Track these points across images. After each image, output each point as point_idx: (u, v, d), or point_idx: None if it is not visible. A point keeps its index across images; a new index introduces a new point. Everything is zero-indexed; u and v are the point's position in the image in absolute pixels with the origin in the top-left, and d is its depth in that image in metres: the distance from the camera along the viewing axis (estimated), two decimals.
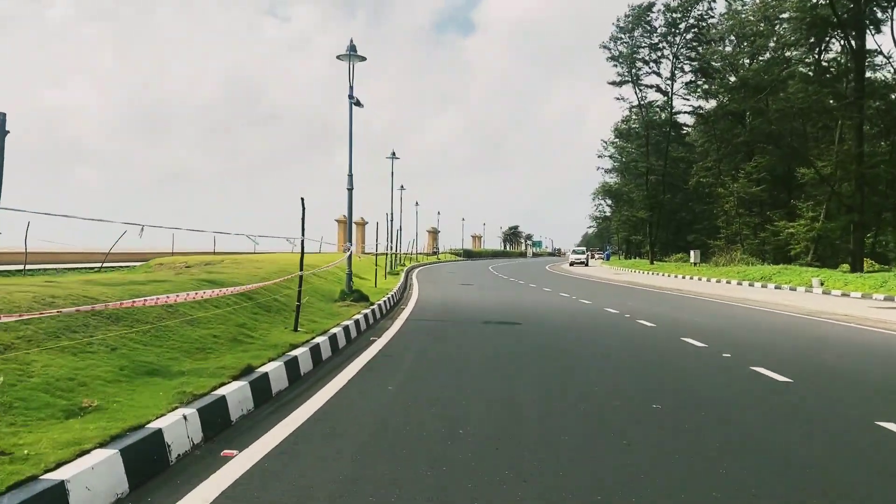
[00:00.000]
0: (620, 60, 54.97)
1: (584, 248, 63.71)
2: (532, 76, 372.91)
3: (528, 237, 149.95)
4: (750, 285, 29.30)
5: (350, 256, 16.50)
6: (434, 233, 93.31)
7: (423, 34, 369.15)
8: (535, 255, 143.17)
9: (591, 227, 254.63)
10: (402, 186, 52.72)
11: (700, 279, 34.33)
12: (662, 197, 57.31)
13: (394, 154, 40.73)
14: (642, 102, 57.40)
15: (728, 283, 31.31)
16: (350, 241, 17.44)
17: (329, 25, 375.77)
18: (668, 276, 39.39)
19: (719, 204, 53.81)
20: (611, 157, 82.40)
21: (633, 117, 61.20)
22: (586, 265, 58.78)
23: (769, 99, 40.13)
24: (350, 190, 16.59)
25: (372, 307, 14.04)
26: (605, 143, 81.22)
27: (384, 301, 16.03)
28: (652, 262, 54.82)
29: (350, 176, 16.57)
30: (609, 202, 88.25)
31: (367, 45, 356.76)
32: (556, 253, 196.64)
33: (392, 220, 41.10)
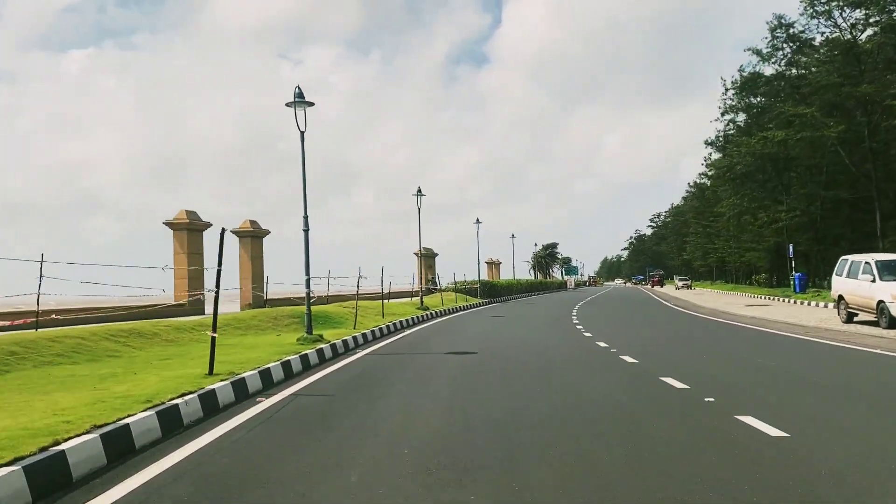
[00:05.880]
0: None
1: None
2: (547, 108, 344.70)
3: (566, 261, 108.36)
4: None
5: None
6: (427, 258, 51.98)
7: (439, 70, 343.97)
8: (577, 285, 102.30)
9: (624, 248, 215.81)
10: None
11: None
12: None
13: (419, 191, 30.26)
14: None
15: None
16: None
17: (343, 66, 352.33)
18: None
19: None
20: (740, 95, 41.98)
21: None
22: None
23: None
24: (306, 231, 14.98)
25: None
26: (729, 85, 41.17)
27: None
28: None
29: (305, 217, 15.04)
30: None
31: (382, 84, 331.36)
32: (592, 282, 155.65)
33: None
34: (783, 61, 40.44)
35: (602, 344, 14.07)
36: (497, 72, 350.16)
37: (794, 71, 41.33)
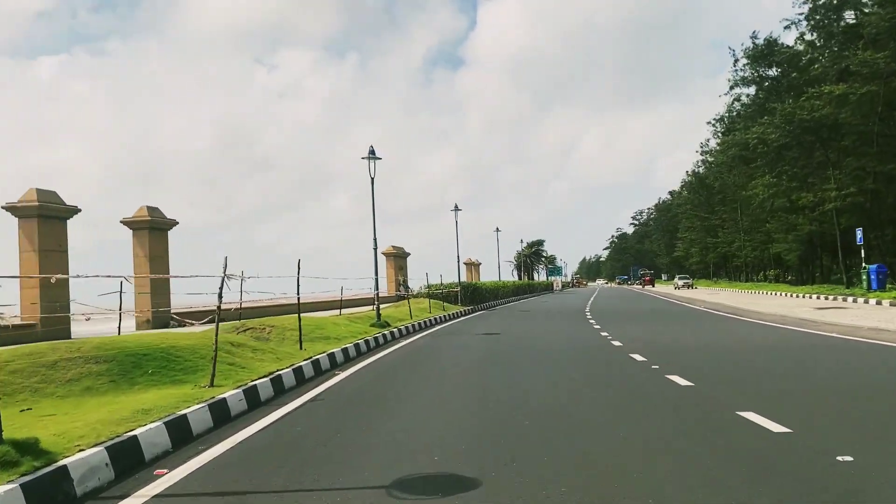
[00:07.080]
0: None
1: None
2: (524, 109, 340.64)
3: (551, 261, 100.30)
4: None
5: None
6: (397, 258, 43.52)
7: (415, 73, 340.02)
8: (563, 286, 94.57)
9: (605, 248, 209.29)
10: None
11: None
12: None
13: (372, 151, 21.97)
14: None
15: None
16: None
17: (318, 70, 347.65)
18: None
19: None
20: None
21: None
22: None
23: None
24: None
25: None
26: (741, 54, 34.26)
27: None
28: None
29: None
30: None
31: (359, 87, 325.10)
32: (577, 283, 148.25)
33: None
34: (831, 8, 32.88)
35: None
36: (473, 74, 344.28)
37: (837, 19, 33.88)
